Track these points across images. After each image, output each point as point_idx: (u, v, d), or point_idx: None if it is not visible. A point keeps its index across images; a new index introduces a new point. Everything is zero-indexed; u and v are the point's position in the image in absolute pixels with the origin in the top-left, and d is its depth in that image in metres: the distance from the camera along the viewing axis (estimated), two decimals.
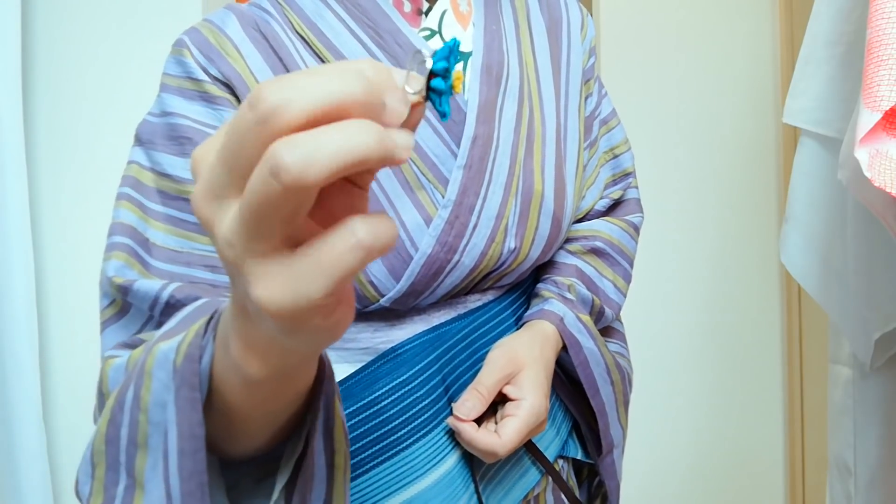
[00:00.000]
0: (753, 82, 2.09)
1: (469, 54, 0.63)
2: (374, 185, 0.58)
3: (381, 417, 0.58)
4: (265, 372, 0.31)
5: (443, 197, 0.59)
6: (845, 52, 0.97)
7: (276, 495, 0.38)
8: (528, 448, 0.64)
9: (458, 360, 0.62)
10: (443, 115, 0.28)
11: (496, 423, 0.58)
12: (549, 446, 0.66)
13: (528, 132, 0.63)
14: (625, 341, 0.77)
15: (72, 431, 1.04)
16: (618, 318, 0.77)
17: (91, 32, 1.05)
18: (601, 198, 0.75)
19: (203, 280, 0.53)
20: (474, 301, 0.63)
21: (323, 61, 0.59)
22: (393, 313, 0.60)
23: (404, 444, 0.57)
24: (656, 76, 2.12)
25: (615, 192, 0.76)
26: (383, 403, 0.58)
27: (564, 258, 0.71)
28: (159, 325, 0.51)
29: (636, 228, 0.75)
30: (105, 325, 0.54)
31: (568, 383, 0.69)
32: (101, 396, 0.46)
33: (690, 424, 2.07)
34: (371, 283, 0.57)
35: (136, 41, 1.04)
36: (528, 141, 0.63)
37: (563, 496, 0.67)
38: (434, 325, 0.60)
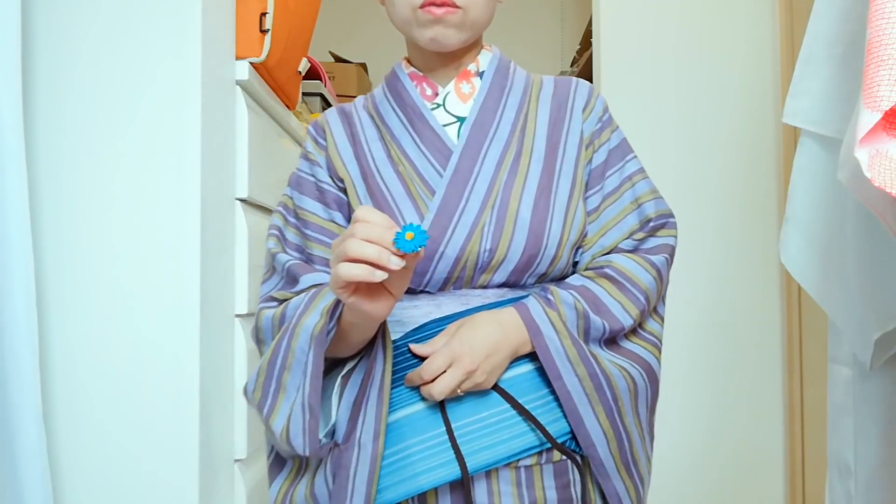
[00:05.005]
0: (753, 82, 2.09)
1: (465, 118, 0.87)
2: (387, 194, 0.84)
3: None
4: (355, 320, 0.74)
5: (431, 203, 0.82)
6: (845, 52, 0.97)
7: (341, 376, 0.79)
8: (520, 411, 0.78)
9: None
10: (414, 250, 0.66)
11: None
12: (553, 423, 0.78)
13: (510, 169, 0.84)
14: (637, 362, 0.83)
15: (72, 431, 1.04)
16: (635, 341, 0.85)
17: (91, 32, 1.05)
18: (626, 238, 0.86)
19: (313, 259, 0.86)
20: (476, 296, 0.82)
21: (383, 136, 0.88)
22: (409, 293, 0.83)
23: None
24: (656, 76, 2.12)
25: (639, 235, 0.87)
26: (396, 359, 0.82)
27: (574, 279, 0.85)
28: (285, 282, 0.84)
29: (653, 265, 0.85)
30: (262, 282, 0.87)
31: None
32: (257, 332, 0.83)
33: (690, 424, 2.07)
34: None
35: (136, 41, 1.04)
36: (510, 174, 0.83)
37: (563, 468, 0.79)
38: (444, 315, 0.82)
